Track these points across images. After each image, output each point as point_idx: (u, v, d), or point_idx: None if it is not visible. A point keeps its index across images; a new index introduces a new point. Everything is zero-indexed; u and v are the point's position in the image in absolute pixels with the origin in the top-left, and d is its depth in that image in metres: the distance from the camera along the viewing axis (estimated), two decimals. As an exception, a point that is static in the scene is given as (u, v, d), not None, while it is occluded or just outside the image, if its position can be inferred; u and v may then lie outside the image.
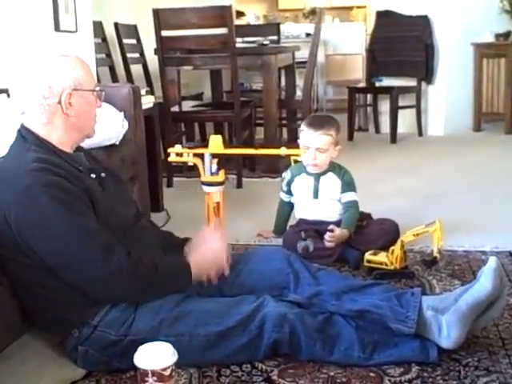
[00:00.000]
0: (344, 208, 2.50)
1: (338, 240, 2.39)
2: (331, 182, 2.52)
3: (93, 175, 1.71)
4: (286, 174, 2.63)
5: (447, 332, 1.58)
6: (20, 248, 1.58)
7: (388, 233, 2.44)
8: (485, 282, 1.61)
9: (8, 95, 2.19)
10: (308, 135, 2.48)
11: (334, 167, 2.55)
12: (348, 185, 2.52)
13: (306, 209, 2.57)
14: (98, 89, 1.73)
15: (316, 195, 2.53)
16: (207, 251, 1.74)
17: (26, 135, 1.65)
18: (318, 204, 2.53)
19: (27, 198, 1.54)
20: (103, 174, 1.76)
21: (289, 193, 2.63)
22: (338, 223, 2.47)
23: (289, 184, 2.61)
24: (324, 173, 2.52)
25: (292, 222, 2.66)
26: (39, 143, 1.64)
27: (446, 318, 1.60)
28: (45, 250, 1.56)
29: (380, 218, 2.58)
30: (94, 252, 1.54)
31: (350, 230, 2.44)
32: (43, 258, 1.56)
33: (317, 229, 2.48)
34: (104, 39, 4.36)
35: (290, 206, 2.66)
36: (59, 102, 1.63)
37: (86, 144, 1.84)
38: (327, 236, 2.39)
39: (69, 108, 1.64)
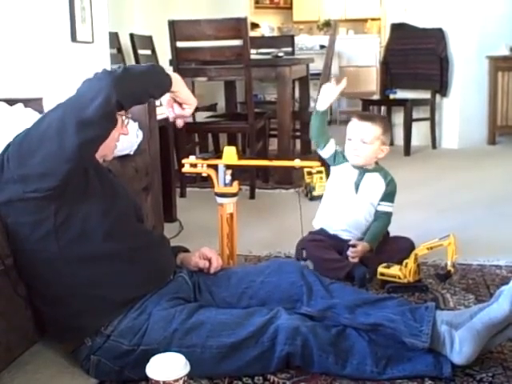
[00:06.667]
0: (376, 216, 2.43)
1: (361, 255, 2.34)
2: (375, 182, 2.43)
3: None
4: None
5: (459, 347, 1.58)
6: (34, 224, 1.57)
7: (403, 253, 2.31)
8: (503, 303, 1.59)
9: (25, 105, 2.22)
10: (353, 124, 2.41)
11: (381, 170, 2.47)
12: (390, 194, 2.45)
13: (341, 201, 2.44)
14: (123, 116, 1.73)
15: (356, 189, 2.42)
16: None
17: None
18: (355, 201, 2.42)
19: (15, 142, 1.54)
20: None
21: (335, 155, 2.45)
22: (359, 240, 2.40)
23: (335, 155, 2.45)
24: (370, 170, 2.44)
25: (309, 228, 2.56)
26: None
27: (459, 333, 1.59)
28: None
29: (397, 237, 2.49)
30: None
31: (372, 244, 2.37)
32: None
33: (333, 244, 2.41)
34: (119, 50, 4.40)
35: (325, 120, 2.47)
36: None
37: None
38: (350, 252, 2.34)
39: None
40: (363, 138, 2.38)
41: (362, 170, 2.44)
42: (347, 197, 2.44)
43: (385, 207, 2.45)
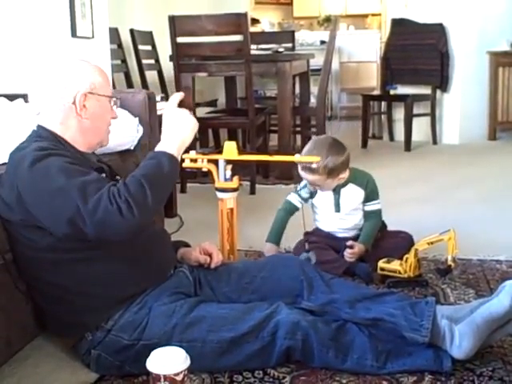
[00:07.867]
0: (365, 217, 2.43)
1: (358, 256, 2.35)
2: (353, 193, 2.41)
3: (103, 174, 1.71)
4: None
5: (459, 342, 1.58)
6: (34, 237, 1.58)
7: (401, 248, 2.33)
8: (503, 299, 1.60)
9: (25, 100, 2.21)
10: (300, 167, 2.38)
11: (354, 177, 2.41)
12: (372, 193, 2.43)
13: (327, 222, 2.47)
14: (114, 97, 1.74)
15: (338, 209, 2.42)
16: (175, 124, 1.65)
17: (41, 132, 1.66)
18: (340, 217, 2.43)
19: (31, 173, 1.51)
20: (118, 177, 1.78)
21: (305, 200, 2.48)
22: (355, 238, 2.40)
23: (312, 195, 2.46)
24: (344, 185, 2.40)
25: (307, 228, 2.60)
26: (53, 138, 1.64)
27: (459, 327, 1.59)
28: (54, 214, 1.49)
29: (395, 231, 2.49)
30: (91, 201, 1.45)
31: (368, 245, 2.38)
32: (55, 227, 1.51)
33: (329, 243, 2.42)
34: (120, 45, 4.39)
35: (293, 212, 2.50)
36: (74, 103, 1.64)
37: (102, 149, 1.86)
38: (347, 253, 2.34)
39: (83, 110, 1.65)
40: (312, 183, 2.38)
41: (337, 189, 2.41)
42: (331, 217, 2.45)
43: (371, 206, 2.44)
